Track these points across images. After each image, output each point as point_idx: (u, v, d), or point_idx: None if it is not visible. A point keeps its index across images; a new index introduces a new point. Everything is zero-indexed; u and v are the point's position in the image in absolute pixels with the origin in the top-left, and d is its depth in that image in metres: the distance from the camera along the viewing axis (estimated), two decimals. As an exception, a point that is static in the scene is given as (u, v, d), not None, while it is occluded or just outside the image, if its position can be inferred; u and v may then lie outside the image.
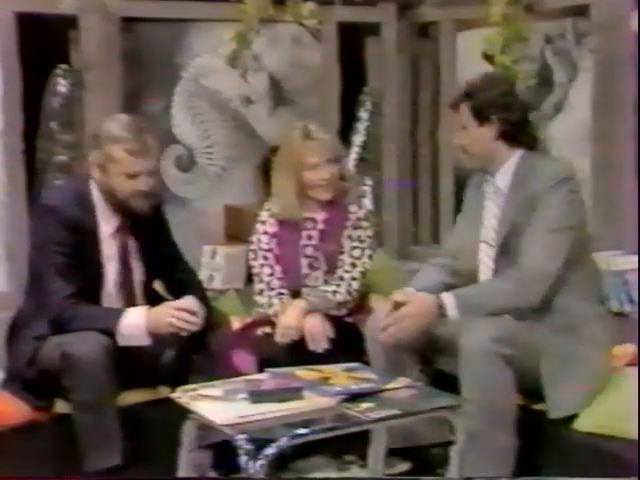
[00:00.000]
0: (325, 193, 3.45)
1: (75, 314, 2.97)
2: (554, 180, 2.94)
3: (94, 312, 3.02)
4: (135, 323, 2.99)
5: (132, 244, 3.16)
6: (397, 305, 2.94)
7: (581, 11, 3.91)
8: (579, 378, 2.86)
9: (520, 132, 3.06)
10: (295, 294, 3.46)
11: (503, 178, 3.05)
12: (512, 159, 3.05)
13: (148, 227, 3.16)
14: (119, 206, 3.07)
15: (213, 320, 3.15)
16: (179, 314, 2.99)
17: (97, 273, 3.09)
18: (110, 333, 2.95)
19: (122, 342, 2.97)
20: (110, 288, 3.12)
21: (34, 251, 3.11)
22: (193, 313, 3.01)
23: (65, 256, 3.00)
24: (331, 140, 3.49)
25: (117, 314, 3.01)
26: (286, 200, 3.47)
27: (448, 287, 3.04)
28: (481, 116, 3.03)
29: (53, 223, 3.01)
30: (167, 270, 3.23)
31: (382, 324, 2.95)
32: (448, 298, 2.91)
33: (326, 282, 3.47)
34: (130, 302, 3.13)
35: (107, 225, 3.10)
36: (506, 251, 2.99)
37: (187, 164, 4.49)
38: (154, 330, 3.00)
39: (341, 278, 3.46)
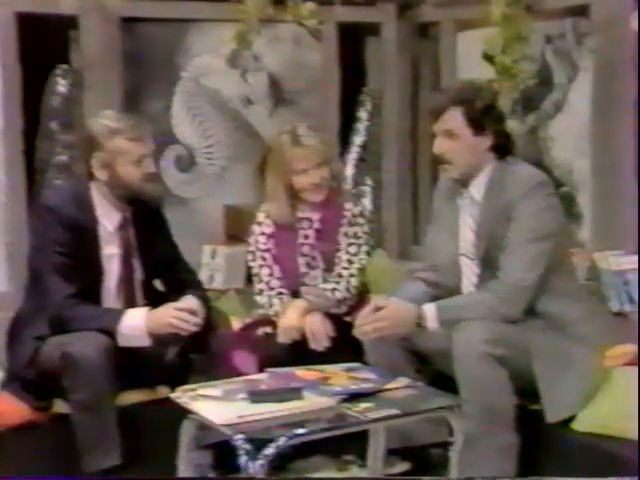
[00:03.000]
0: (317, 195, 3.46)
1: (75, 314, 2.98)
2: (528, 186, 2.88)
3: (94, 312, 3.02)
4: (135, 324, 2.99)
5: (134, 242, 3.16)
6: (378, 309, 2.91)
7: (581, 11, 3.90)
8: (573, 380, 2.85)
9: (507, 143, 3.01)
10: (294, 293, 3.46)
11: (477, 188, 2.98)
12: (487, 168, 2.97)
13: (148, 226, 3.17)
14: (131, 196, 3.08)
15: (213, 320, 3.16)
16: (179, 314, 2.99)
17: (97, 273, 3.09)
18: (110, 333, 2.95)
19: (122, 343, 2.97)
20: (111, 287, 3.12)
21: (34, 251, 3.12)
22: (193, 313, 3.01)
23: (65, 256, 3.01)
24: (320, 144, 3.46)
25: (117, 315, 3.01)
26: (278, 204, 3.49)
27: (432, 299, 3.01)
28: (477, 125, 2.93)
29: (52, 223, 3.02)
30: (167, 270, 3.24)
31: (358, 320, 2.94)
32: (429, 309, 2.89)
33: (325, 280, 3.47)
34: (130, 301, 3.13)
35: (109, 223, 3.11)
36: (489, 264, 2.94)
37: (187, 164, 4.49)
38: (154, 331, 3.01)
39: (339, 275, 3.47)
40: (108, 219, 3.11)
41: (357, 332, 2.94)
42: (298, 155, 3.40)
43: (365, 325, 2.90)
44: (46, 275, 3.02)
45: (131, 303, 3.13)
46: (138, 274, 3.19)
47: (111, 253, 3.12)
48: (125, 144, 3.05)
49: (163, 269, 3.24)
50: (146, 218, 3.17)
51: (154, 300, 3.15)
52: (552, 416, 2.83)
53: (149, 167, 3.09)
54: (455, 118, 2.93)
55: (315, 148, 3.42)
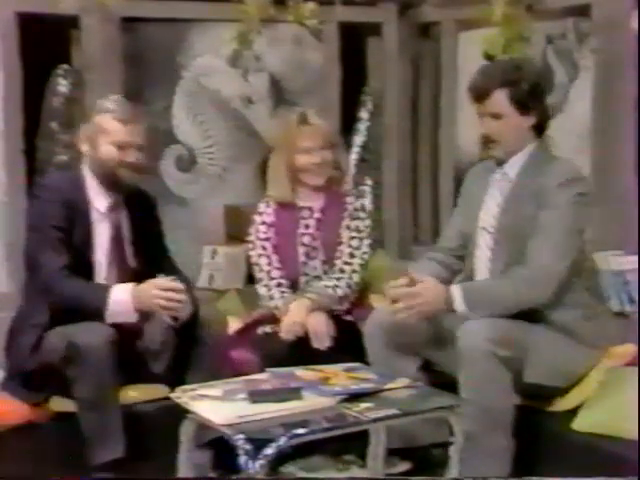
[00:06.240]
0: (316, 178, 3.47)
1: (65, 287, 2.99)
2: (567, 176, 2.90)
3: (83, 287, 3.02)
4: (121, 299, 2.99)
5: (125, 227, 3.18)
6: (411, 282, 2.90)
7: (582, 11, 3.90)
8: (561, 356, 2.87)
9: (547, 121, 3.06)
10: (294, 283, 3.48)
11: (513, 166, 3.01)
12: (526, 149, 3.00)
13: (140, 214, 3.21)
14: (108, 179, 3.10)
15: (209, 319, 3.15)
16: (165, 294, 2.99)
17: (89, 252, 3.10)
18: (101, 312, 2.96)
19: (110, 319, 2.98)
20: (103, 268, 3.12)
21: (30, 231, 3.13)
22: (176, 291, 3.01)
23: (59, 230, 3.04)
24: (326, 127, 3.51)
25: (105, 290, 3.01)
26: (279, 182, 3.52)
27: (444, 281, 3.04)
28: (523, 105, 2.95)
29: (49, 199, 3.07)
30: (155, 264, 3.23)
31: (393, 294, 2.91)
32: (456, 290, 2.87)
33: (325, 273, 3.48)
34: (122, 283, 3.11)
35: (100, 203, 3.13)
36: (508, 241, 2.96)
37: (187, 164, 4.49)
38: (140, 307, 3.01)
39: (341, 271, 3.47)
40: (99, 200, 3.14)
41: (390, 308, 2.92)
42: (303, 133, 3.44)
43: (400, 302, 2.88)
44: (40, 250, 3.04)
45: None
46: (130, 257, 3.18)
47: (103, 233, 3.13)
48: (110, 123, 3.09)
49: (152, 261, 3.23)
50: (138, 205, 3.20)
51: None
52: (528, 377, 2.84)
53: (130, 156, 3.10)
54: (501, 100, 2.95)
55: (321, 128, 3.47)
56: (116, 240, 3.15)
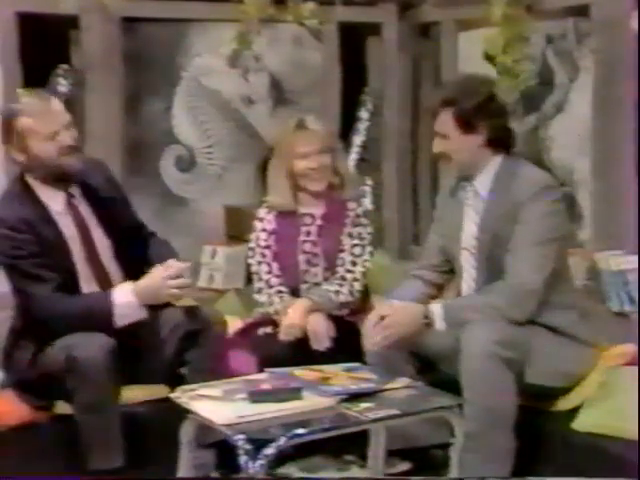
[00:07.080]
0: (315, 183, 3.45)
1: (63, 311, 2.93)
2: (535, 189, 2.88)
3: (83, 302, 2.97)
4: (126, 302, 2.96)
5: (90, 217, 3.10)
6: (383, 318, 2.92)
7: (582, 11, 3.90)
8: (561, 356, 2.87)
9: (506, 137, 3.01)
10: (294, 291, 3.46)
11: (483, 183, 2.98)
12: (493, 163, 2.97)
13: (103, 198, 3.12)
14: (54, 175, 3.01)
15: (210, 320, 3.14)
16: (176, 282, 2.96)
17: (67, 256, 3.02)
18: (109, 321, 2.93)
19: (120, 323, 2.95)
20: (82, 266, 3.06)
21: (6, 269, 3.01)
22: (180, 275, 2.99)
23: (33, 257, 2.95)
24: (325, 131, 3.50)
25: (106, 299, 2.96)
26: (279, 190, 3.50)
27: (429, 298, 3.07)
28: (467, 125, 2.92)
29: (7, 234, 2.94)
30: (135, 238, 3.20)
31: (365, 332, 2.95)
32: (436, 309, 2.90)
33: (326, 280, 3.47)
34: (102, 275, 3.08)
35: (55, 204, 3.04)
36: (489, 259, 2.96)
37: (187, 164, 4.50)
38: (149, 302, 2.99)
39: (343, 278, 3.45)
40: (54, 201, 3.04)
41: (367, 344, 2.96)
42: (301, 138, 3.43)
43: (373, 337, 2.91)
44: (25, 284, 2.96)
45: (103, 277, 3.08)
46: (104, 248, 3.11)
47: (71, 233, 3.04)
48: (29, 122, 2.95)
49: (131, 238, 3.18)
50: (97, 190, 3.11)
51: (130, 271, 3.10)
52: (529, 378, 2.84)
53: (64, 140, 2.98)
54: (446, 120, 2.94)
55: (318, 133, 3.45)
56: (84, 234, 3.06)
